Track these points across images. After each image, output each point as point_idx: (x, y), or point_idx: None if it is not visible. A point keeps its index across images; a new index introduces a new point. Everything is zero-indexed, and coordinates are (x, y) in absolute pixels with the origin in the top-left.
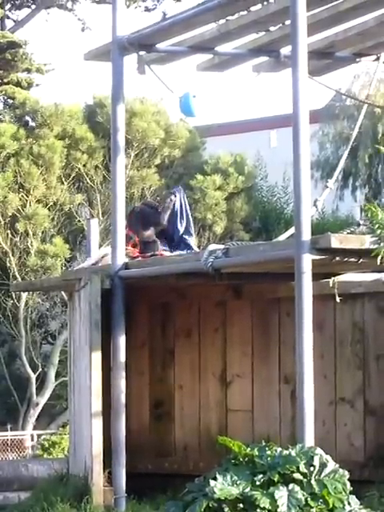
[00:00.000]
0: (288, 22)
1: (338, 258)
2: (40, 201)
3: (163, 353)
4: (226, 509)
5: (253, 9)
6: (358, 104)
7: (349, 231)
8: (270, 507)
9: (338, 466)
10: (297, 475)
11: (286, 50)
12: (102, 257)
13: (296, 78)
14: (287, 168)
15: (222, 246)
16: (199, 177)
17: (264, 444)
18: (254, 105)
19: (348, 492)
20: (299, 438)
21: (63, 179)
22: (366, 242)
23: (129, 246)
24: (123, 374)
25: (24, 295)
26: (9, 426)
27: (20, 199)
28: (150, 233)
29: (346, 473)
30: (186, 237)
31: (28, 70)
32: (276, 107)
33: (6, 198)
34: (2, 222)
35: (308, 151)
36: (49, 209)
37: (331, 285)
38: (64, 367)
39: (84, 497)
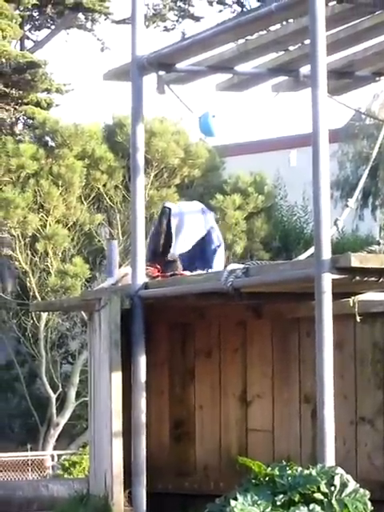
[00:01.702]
0: (307, 42)
1: (358, 278)
2: (60, 221)
3: (183, 372)
4: None
5: (272, 28)
6: (378, 123)
7: (369, 250)
8: None
9: (358, 485)
10: (317, 495)
11: (305, 70)
12: (122, 277)
13: (315, 98)
14: (307, 187)
15: (241, 266)
16: (219, 196)
17: (284, 464)
18: (274, 124)
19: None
20: (320, 457)
21: (83, 199)
22: None
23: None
24: (143, 393)
25: (44, 315)
26: (29, 446)
27: (40, 219)
28: (172, 252)
29: (367, 492)
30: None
31: (48, 90)
32: (295, 127)
33: (25, 218)
34: (22, 243)
35: (328, 170)
36: (68, 229)
37: (351, 304)
38: (84, 387)
39: None
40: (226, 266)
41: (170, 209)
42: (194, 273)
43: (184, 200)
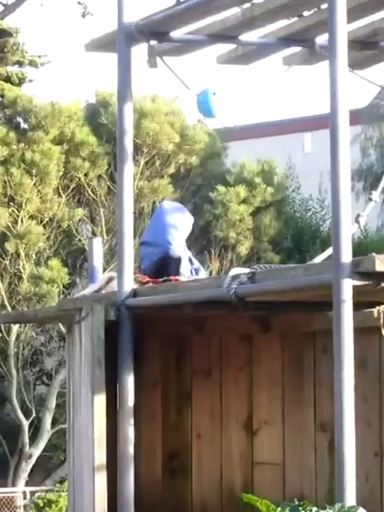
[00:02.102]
0: (324, 6)
1: (383, 284)
2: (33, 217)
3: (178, 395)
4: None
5: None
6: None
7: None
8: None
9: None
10: None
11: (322, 39)
12: (107, 282)
13: (334, 72)
14: (323, 177)
15: (247, 270)
16: (220, 188)
17: (297, 503)
18: (285, 104)
19: None
20: (338, 496)
21: (61, 191)
22: None
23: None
24: (132, 420)
25: (15, 328)
26: None
27: (10, 214)
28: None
29: None
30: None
31: (20, 63)
32: (310, 106)
33: None
34: None
35: (348, 158)
36: (44, 226)
37: (376, 315)
38: (62, 412)
39: None
40: (228, 271)
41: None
42: (191, 278)
43: (179, 192)
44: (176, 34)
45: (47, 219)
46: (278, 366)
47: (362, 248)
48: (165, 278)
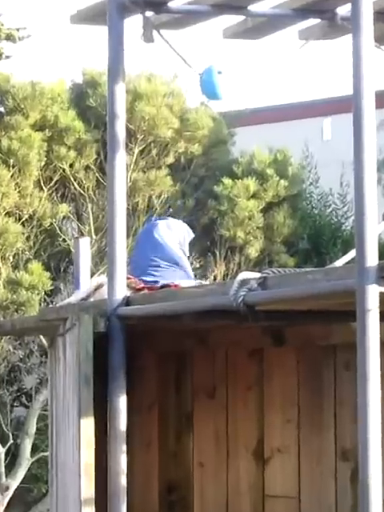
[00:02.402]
0: None
1: None
2: (11, 213)
3: (178, 418)
4: None
5: None
6: None
7: None
8: None
9: None
10: None
11: (343, 10)
12: (95, 289)
13: (357, 48)
14: (346, 168)
15: (257, 275)
16: (227, 181)
17: None
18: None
19: None
20: None
21: (42, 184)
22: None
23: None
24: (124, 447)
25: None
26: None
27: None
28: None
29: None
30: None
31: None
32: (330, 87)
33: None
34: None
35: (374, 146)
36: (23, 224)
37: None
38: (43, 438)
39: None
40: (235, 275)
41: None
42: (193, 284)
43: (179, 185)
44: (175, 3)
45: (27, 216)
46: (293, 385)
47: None
48: (162, 283)
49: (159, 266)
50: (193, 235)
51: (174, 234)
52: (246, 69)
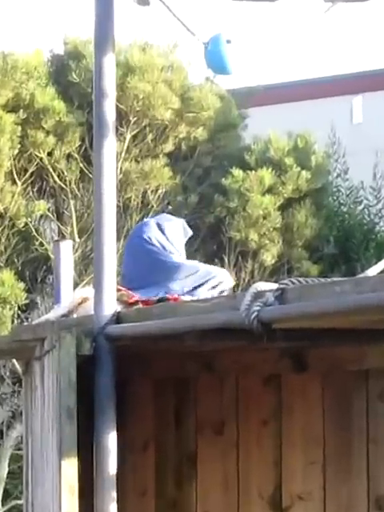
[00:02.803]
0: None
1: None
2: None
3: (178, 460)
4: None
5: None
6: None
7: None
8: None
9: None
10: None
11: None
12: (79, 303)
13: None
14: (379, 157)
15: (274, 286)
16: (236, 172)
17: None
18: (327, 56)
19: None
20: None
21: (15, 176)
22: None
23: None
24: (114, 494)
25: None
26: None
27: None
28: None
29: None
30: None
31: None
32: (362, 60)
33: None
34: None
35: None
36: None
37: None
38: (17, 483)
39: None
40: (247, 287)
41: None
42: (197, 298)
43: (180, 178)
44: None
45: None
46: (317, 418)
47: None
48: (159, 296)
49: (152, 275)
50: (190, 233)
51: (169, 234)
52: (261, 37)
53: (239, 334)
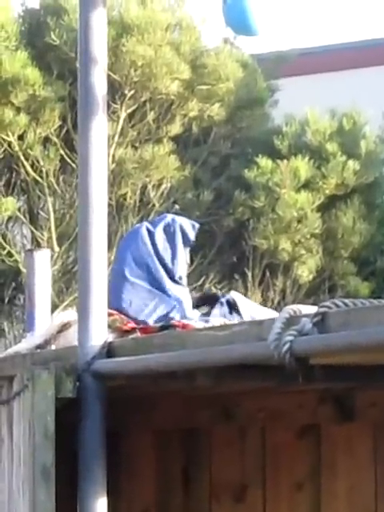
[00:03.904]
0: None
1: None
2: None
3: None
4: None
5: None
6: None
7: None
8: None
9: None
10: None
11: None
12: (59, 331)
13: None
14: None
15: (312, 309)
16: (264, 162)
17: None
18: (378, 14)
19: None
20: None
21: None
22: None
23: None
24: None
25: None
26: None
27: None
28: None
29: None
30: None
31: None
32: None
33: None
34: None
35: None
36: None
37: None
38: None
39: None
40: (279, 311)
41: None
42: (211, 324)
43: (189, 169)
44: None
45: None
46: (367, 481)
47: None
48: (163, 322)
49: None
50: (191, 239)
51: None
52: None
53: (266, 372)
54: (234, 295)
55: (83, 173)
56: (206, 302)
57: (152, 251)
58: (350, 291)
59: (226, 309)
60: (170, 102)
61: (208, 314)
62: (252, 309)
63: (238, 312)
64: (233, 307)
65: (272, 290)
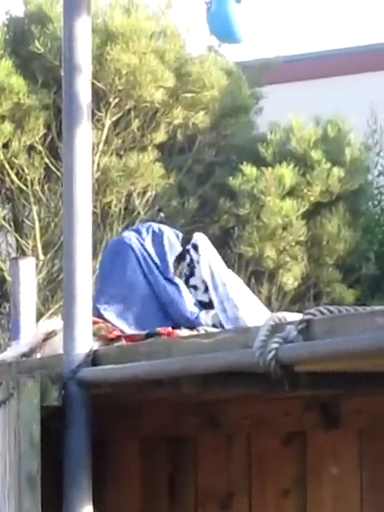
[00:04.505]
0: None
1: None
2: None
3: None
4: None
5: None
6: None
7: None
8: None
9: None
10: None
11: None
12: (45, 339)
13: None
14: None
15: (297, 317)
16: (249, 169)
17: None
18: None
19: None
20: None
21: None
22: None
23: None
24: None
25: None
26: None
27: None
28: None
29: None
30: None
31: None
32: None
33: None
34: None
35: None
36: None
37: None
38: None
39: None
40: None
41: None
42: (197, 333)
43: (174, 176)
44: None
45: None
46: (353, 488)
47: None
48: (148, 330)
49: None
50: (178, 249)
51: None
52: None
53: (252, 380)
54: (198, 237)
55: (68, 181)
56: (180, 259)
57: (145, 256)
58: (335, 298)
59: (193, 254)
60: (155, 109)
61: (179, 267)
62: (211, 254)
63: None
64: (197, 249)
65: (257, 297)
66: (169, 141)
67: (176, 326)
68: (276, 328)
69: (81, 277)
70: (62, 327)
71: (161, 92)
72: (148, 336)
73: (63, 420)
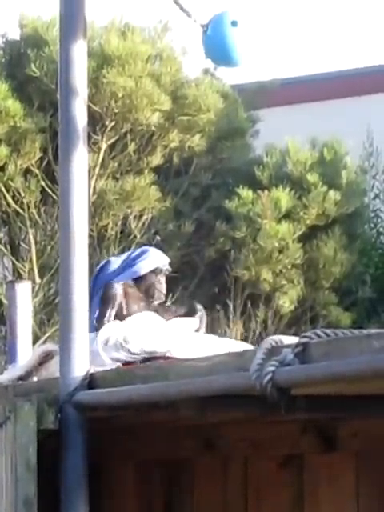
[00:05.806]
0: None
1: None
2: None
3: None
4: None
5: None
6: None
7: None
8: None
9: None
10: None
11: None
12: (41, 363)
13: None
14: None
15: (293, 340)
16: (245, 193)
17: None
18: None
19: None
20: None
21: None
22: None
23: None
24: None
25: None
26: None
27: None
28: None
29: None
30: None
31: None
32: None
33: None
34: None
35: None
36: None
37: None
38: None
39: None
40: (261, 340)
41: None
42: (193, 356)
43: (171, 200)
44: None
45: None
46: (351, 511)
47: None
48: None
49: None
50: (168, 268)
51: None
52: (276, 18)
53: (248, 403)
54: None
55: (64, 204)
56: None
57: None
58: (331, 321)
59: None
60: (151, 133)
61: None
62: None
63: None
64: None
65: (254, 320)
66: (165, 164)
67: None
68: (272, 351)
69: (77, 300)
70: (58, 350)
71: (157, 115)
72: (145, 360)
73: (60, 443)
